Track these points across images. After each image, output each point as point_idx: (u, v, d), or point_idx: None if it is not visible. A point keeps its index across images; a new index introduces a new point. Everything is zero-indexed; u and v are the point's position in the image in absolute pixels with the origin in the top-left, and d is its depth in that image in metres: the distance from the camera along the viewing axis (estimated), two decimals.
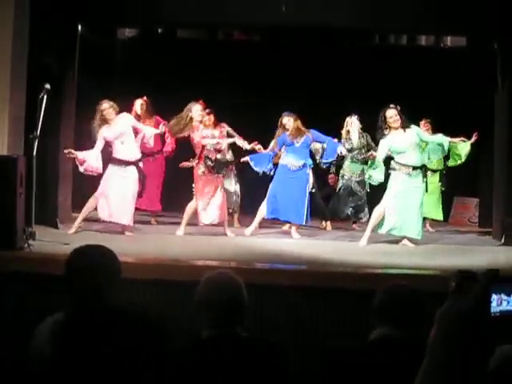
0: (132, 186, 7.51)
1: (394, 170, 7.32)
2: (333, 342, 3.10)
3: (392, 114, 7.26)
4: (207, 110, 8.13)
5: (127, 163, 7.51)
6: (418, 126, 7.96)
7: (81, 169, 7.53)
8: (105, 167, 7.58)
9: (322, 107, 9.34)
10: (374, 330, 2.88)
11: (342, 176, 8.71)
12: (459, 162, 8.05)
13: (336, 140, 8.09)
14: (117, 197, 7.43)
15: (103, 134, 7.48)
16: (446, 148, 7.49)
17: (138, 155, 7.65)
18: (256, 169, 7.91)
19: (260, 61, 10.15)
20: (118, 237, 7.30)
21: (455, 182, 9.52)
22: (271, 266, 5.85)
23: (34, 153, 6.50)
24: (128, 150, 7.53)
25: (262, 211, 7.81)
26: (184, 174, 8.07)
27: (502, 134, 7.97)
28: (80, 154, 7.48)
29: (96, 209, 7.51)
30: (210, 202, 7.70)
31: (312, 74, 9.99)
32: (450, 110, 9.07)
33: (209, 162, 7.74)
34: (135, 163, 7.57)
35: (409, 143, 7.25)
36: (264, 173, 7.89)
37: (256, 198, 8.04)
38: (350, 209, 8.68)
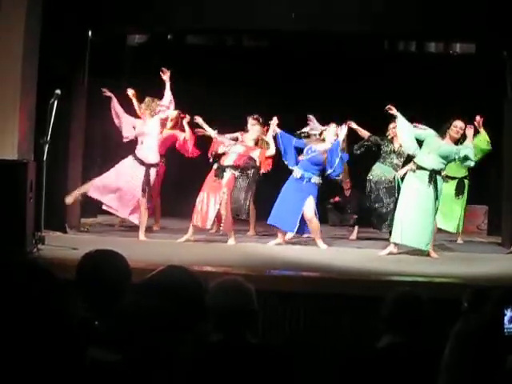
0: (138, 185, 7.55)
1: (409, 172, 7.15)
2: (343, 350, 3.10)
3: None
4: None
5: (140, 163, 7.57)
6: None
7: (116, 121, 7.76)
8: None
9: (331, 114, 9.30)
10: (382, 337, 2.89)
11: (370, 179, 8.03)
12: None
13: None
14: (123, 189, 7.52)
15: (135, 123, 7.69)
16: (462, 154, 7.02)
17: (153, 160, 7.63)
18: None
19: (269, 67, 10.16)
20: (128, 241, 7.31)
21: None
22: (282, 273, 5.87)
23: (44, 158, 6.54)
24: (144, 151, 7.58)
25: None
26: (185, 180, 8.03)
27: (511, 141, 7.95)
28: (118, 108, 7.73)
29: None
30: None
31: (320, 81, 9.99)
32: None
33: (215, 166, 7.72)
34: (147, 166, 7.58)
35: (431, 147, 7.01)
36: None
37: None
38: (373, 216, 8.02)
